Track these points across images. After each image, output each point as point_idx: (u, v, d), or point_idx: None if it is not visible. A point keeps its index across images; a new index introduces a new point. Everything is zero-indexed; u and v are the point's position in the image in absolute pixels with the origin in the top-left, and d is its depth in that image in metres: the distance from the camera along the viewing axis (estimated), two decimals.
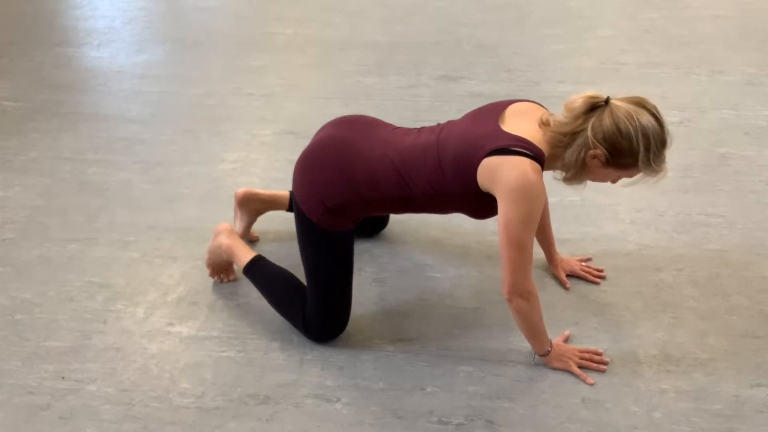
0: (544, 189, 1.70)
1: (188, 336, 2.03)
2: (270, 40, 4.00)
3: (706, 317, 2.07)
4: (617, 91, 3.49)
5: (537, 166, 1.68)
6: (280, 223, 2.43)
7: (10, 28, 4.19)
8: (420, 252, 2.34)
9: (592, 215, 2.49)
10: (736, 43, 3.84)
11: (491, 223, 2.39)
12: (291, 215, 2.36)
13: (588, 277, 2.20)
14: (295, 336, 2.01)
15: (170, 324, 2.07)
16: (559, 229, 2.33)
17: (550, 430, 1.74)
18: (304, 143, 2.96)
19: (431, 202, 1.84)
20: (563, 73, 3.52)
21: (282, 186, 2.60)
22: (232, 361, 1.95)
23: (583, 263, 2.24)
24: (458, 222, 2.41)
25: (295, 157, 2.84)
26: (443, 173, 1.77)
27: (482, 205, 1.79)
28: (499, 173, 1.67)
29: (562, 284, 2.18)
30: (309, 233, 1.89)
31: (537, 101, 1.88)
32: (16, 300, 2.16)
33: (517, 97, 1.92)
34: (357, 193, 1.83)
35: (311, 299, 1.94)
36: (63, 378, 1.89)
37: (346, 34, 4.05)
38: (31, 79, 3.55)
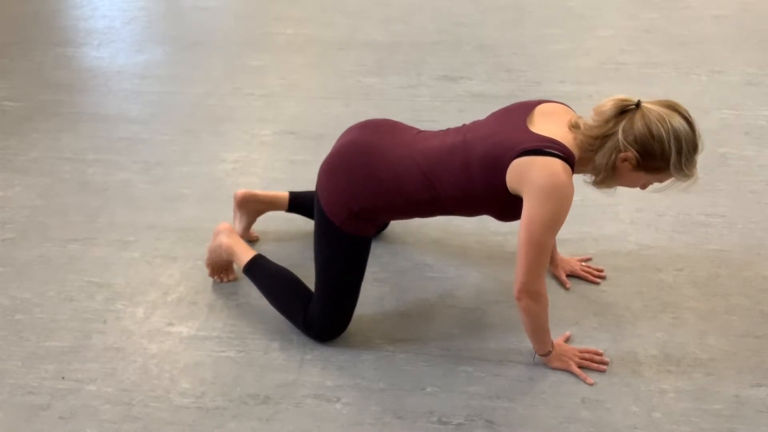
0: (573, 192, 1.68)
1: (188, 336, 2.03)
2: (270, 40, 4.00)
3: (706, 317, 2.07)
4: (617, 91, 3.49)
5: (568, 168, 1.67)
6: (280, 223, 2.43)
7: (10, 28, 4.19)
8: (420, 252, 2.34)
9: (592, 215, 2.49)
10: (736, 43, 3.84)
11: (491, 224, 2.39)
12: (291, 215, 2.37)
13: (588, 277, 2.20)
14: (295, 336, 2.01)
15: (170, 324, 2.07)
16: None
17: (550, 430, 1.74)
18: (304, 143, 2.99)
19: (457, 204, 1.83)
20: (563, 73, 3.52)
21: (282, 186, 2.60)
22: (232, 361, 1.95)
23: (583, 263, 2.24)
24: (458, 222, 2.41)
25: (296, 157, 2.87)
26: (470, 174, 1.75)
27: (509, 207, 1.77)
28: (529, 173, 1.66)
29: (562, 284, 2.18)
30: (329, 235, 1.88)
31: (565, 103, 1.86)
32: (16, 300, 2.16)
33: (544, 98, 1.89)
34: (383, 197, 1.83)
35: (318, 298, 1.94)
36: (63, 378, 1.90)
37: (346, 34, 4.05)
38: (31, 79, 3.55)
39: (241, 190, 2.30)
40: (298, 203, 2.32)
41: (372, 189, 1.83)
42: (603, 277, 2.21)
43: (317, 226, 1.91)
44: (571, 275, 2.22)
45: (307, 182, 2.66)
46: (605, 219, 2.47)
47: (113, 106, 3.29)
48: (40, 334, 2.04)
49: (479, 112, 3.20)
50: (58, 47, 3.92)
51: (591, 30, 4.05)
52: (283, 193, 2.33)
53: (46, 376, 1.90)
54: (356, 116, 3.15)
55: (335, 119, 3.14)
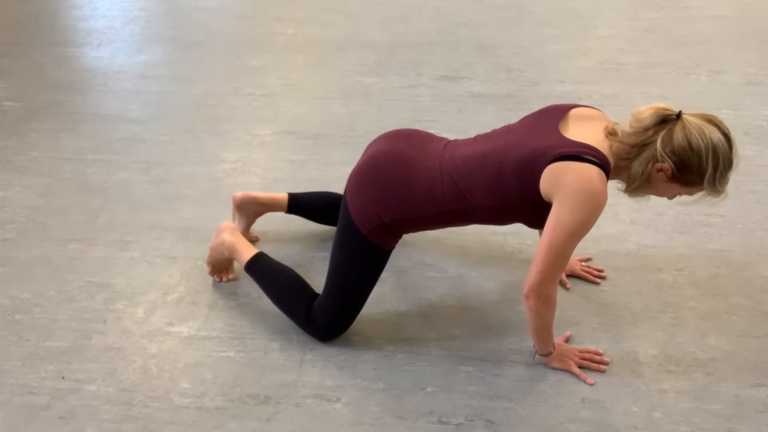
0: (606, 201, 1.66)
1: (188, 336, 2.03)
2: (270, 40, 4.00)
3: (706, 317, 2.07)
4: (617, 91, 3.47)
5: (603, 175, 1.65)
6: (280, 223, 2.43)
7: (10, 28, 4.19)
8: (420, 252, 2.34)
9: None
10: (736, 43, 3.84)
11: None
12: (291, 216, 2.37)
13: (588, 277, 2.20)
14: (295, 336, 2.01)
15: (170, 324, 2.07)
16: None
17: (550, 430, 1.74)
18: (304, 143, 2.99)
19: (490, 213, 1.81)
20: (563, 73, 3.52)
21: (282, 186, 2.60)
22: (232, 361, 1.95)
23: (583, 263, 2.24)
24: None
25: (295, 157, 2.87)
26: (503, 181, 1.74)
27: (541, 214, 1.74)
28: (564, 178, 1.64)
29: (562, 284, 2.18)
30: (353, 242, 1.88)
31: (597, 107, 1.84)
32: (16, 300, 2.16)
33: (577, 103, 1.86)
34: (415, 208, 1.82)
35: (326, 297, 1.94)
36: (63, 378, 1.89)
37: (346, 34, 4.05)
38: (31, 79, 3.55)
39: (240, 192, 2.30)
40: (297, 205, 2.32)
41: (404, 201, 1.82)
42: (603, 277, 2.21)
43: (341, 230, 1.91)
44: (571, 275, 2.22)
45: (307, 182, 2.67)
46: (605, 219, 2.46)
47: (113, 106, 3.29)
48: (40, 334, 2.04)
49: (479, 112, 3.23)
50: (58, 47, 3.92)
51: (591, 30, 4.05)
52: (282, 195, 2.33)
53: (46, 376, 1.90)
54: (356, 116, 3.17)
55: (335, 119, 3.14)
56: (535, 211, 1.76)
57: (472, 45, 3.88)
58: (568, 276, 2.21)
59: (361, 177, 1.89)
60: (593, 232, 2.37)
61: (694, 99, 3.25)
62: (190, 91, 3.42)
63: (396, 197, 1.83)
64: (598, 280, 2.20)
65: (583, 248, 2.33)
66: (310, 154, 2.88)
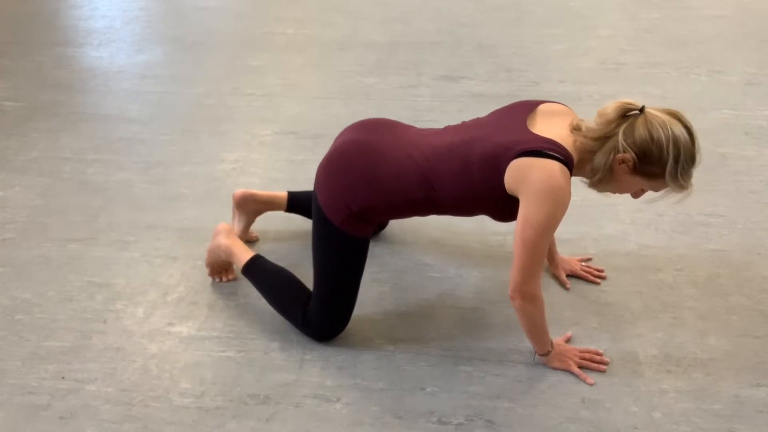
0: (570, 196, 1.68)
1: (188, 336, 2.03)
2: (270, 40, 4.00)
3: (706, 317, 2.07)
4: (617, 91, 3.47)
5: (566, 171, 1.67)
6: (280, 222, 2.43)
7: (10, 28, 4.19)
8: (420, 252, 2.34)
9: (592, 215, 2.49)
10: (736, 43, 3.84)
11: (491, 223, 2.39)
12: (290, 215, 2.37)
13: (588, 277, 2.20)
14: (295, 336, 2.01)
15: (170, 324, 2.07)
16: (559, 229, 2.30)
17: (550, 430, 1.74)
18: (304, 143, 2.99)
19: (455, 204, 1.83)
20: (563, 73, 3.52)
21: (282, 186, 2.60)
22: (232, 361, 1.95)
23: (583, 263, 2.24)
24: (458, 222, 2.40)
25: (296, 157, 2.87)
26: (470, 174, 1.75)
27: (506, 208, 1.76)
28: (528, 174, 1.65)
29: (562, 284, 2.18)
30: (328, 235, 1.88)
31: (565, 103, 1.86)
32: (16, 300, 2.16)
33: (546, 99, 1.88)
34: (382, 196, 1.83)
35: (317, 298, 1.94)
36: (63, 378, 1.89)
37: (346, 34, 4.05)
38: (31, 79, 3.55)
39: (240, 190, 2.30)
40: (296, 203, 2.33)
41: (371, 189, 1.82)
42: (603, 277, 2.21)
43: (316, 226, 1.91)
44: (571, 275, 2.22)
45: (307, 182, 2.66)
46: (605, 219, 2.47)
47: (113, 106, 3.29)
48: (40, 334, 2.04)
49: (479, 112, 3.19)
50: (58, 47, 3.92)
51: (591, 30, 4.05)
52: (282, 193, 2.33)
53: (46, 376, 1.90)
54: (356, 116, 3.15)
55: (335, 119, 3.14)
56: (501, 205, 1.77)
57: (472, 45, 3.88)
58: (568, 276, 2.21)
59: (327, 168, 1.89)
60: (593, 231, 2.39)
61: (694, 99, 3.25)
62: (190, 91, 3.42)
63: (363, 185, 1.83)
64: (598, 280, 2.20)
65: (583, 248, 2.33)
66: (310, 154, 2.88)
